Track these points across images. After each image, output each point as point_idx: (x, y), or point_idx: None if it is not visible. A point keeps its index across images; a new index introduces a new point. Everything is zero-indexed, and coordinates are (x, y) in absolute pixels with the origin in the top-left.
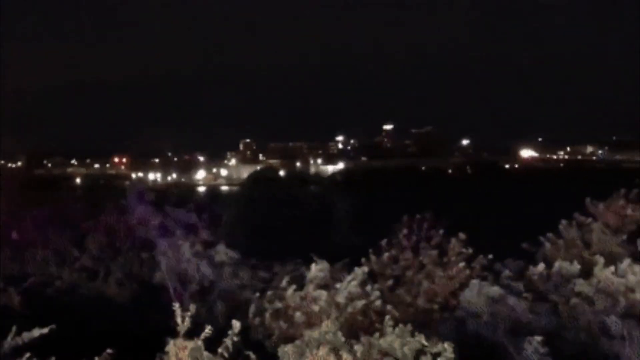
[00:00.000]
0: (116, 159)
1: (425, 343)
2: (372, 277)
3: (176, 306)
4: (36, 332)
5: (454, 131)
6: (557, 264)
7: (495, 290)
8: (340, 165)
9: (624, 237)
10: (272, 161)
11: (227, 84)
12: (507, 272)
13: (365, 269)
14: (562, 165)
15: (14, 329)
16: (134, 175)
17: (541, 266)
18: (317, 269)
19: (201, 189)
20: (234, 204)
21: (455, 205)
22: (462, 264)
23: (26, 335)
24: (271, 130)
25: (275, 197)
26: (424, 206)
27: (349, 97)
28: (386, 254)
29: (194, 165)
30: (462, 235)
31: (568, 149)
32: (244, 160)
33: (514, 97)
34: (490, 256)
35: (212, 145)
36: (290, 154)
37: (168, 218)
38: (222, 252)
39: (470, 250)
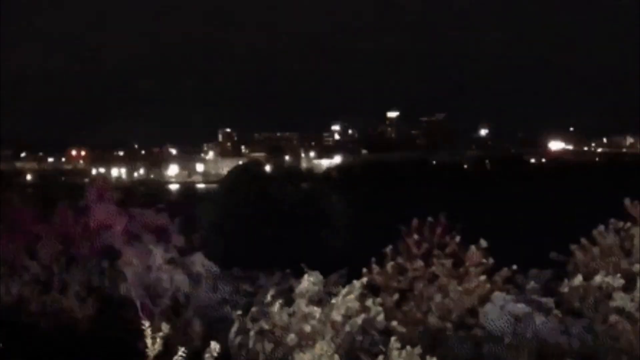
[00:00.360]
0: (73, 152)
1: None
2: (374, 290)
3: (145, 325)
4: None
5: (470, 119)
6: (597, 278)
7: (520, 306)
8: (337, 160)
9: None
10: (257, 154)
11: (203, 65)
12: (533, 285)
13: (366, 280)
14: (597, 159)
15: None
16: (94, 171)
17: (578, 279)
18: (309, 281)
19: (174, 187)
20: (212, 204)
21: (473, 206)
22: (481, 276)
23: None
24: (255, 118)
25: (260, 196)
26: (435, 208)
27: (347, 80)
28: (391, 263)
29: (165, 160)
30: (482, 243)
31: (604, 140)
32: (223, 153)
33: (539, 79)
34: (514, 267)
35: (186, 137)
36: (278, 146)
37: (134, 221)
38: (199, 261)
39: (491, 260)
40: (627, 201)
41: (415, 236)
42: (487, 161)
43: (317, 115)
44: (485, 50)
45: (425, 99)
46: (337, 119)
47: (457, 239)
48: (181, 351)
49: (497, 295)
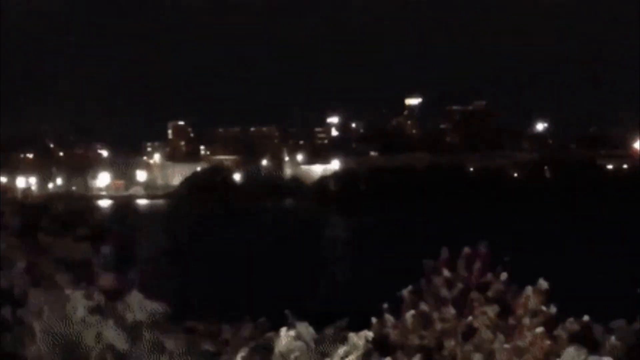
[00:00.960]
0: None
1: None
2: (386, 349)
3: None
4: None
5: (521, 109)
6: None
7: None
8: (335, 165)
9: None
10: (222, 157)
11: (146, 32)
12: (614, 343)
13: (374, 335)
14: None
15: None
16: None
17: None
18: (292, 336)
19: (105, 203)
20: (158, 228)
21: (527, 231)
22: (539, 329)
23: None
24: (220, 107)
25: (226, 217)
26: (474, 233)
27: (349, 56)
28: (412, 312)
29: (92, 165)
30: (541, 283)
31: None
32: (174, 156)
33: (610, 56)
34: (587, 317)
35: (122, 133)
36: (252, 145)
37: (46, 254)
38: (138, 307)
39: (553, 308)
40: None
41: (446, 273)
42: (546, 167)
43: (308, 103)
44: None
45: (456, 81)
46: (335, 109)
47: (504, 276)
48: None
49: (568, 353)
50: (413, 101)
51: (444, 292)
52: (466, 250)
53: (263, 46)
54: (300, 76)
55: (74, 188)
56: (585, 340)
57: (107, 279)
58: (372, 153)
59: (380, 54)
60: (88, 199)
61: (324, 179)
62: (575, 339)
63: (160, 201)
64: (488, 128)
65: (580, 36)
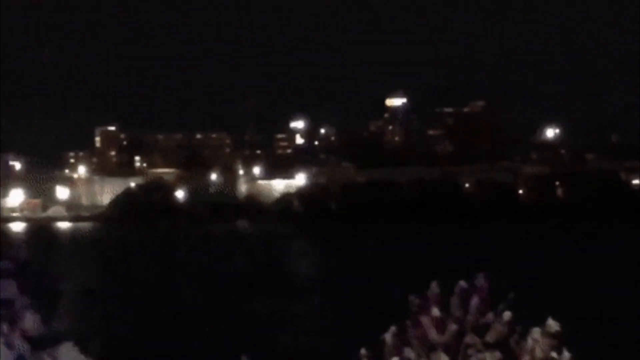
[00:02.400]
0: None
1: None
2: None
3: None
4: None
5: (527, 112)
6: None
7: None
8: (300, 179)
9: None
10: (162, 170)
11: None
12: None
13: None
14: None
15: None
16: None
17: None
18: None
19: (16, 226)
20: (85, 258)
21: (534, 261)
22: None
23: None
24: (160, 109)
25: (166, 244)
26: (470, 262)
27: (316, 49)
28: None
29: (1, 180)
30: (550, 324)
31: None
32: (103, 168)
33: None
34: None
35: (39, 140)
36: (198, 156)
37: None
38: (67, 356)
39: (566, 355)
40: None
41: (436, 311)
42: (557, 183)
43: (267, 105)
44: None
45: (445, 81)
46: (300, 111)
47: (508, 316)
48: None
49: None
50: (395, 102)
51: (434, 335)
52: (461, 284)
53: (211, 39)
54: (257, 73)
55: None
56: None
57: (29, 321)
58: (346, 165)
59: (356, 46)
60: None
61: (286, 197)
62: None
63: (86, 224)
64: (487, 135)
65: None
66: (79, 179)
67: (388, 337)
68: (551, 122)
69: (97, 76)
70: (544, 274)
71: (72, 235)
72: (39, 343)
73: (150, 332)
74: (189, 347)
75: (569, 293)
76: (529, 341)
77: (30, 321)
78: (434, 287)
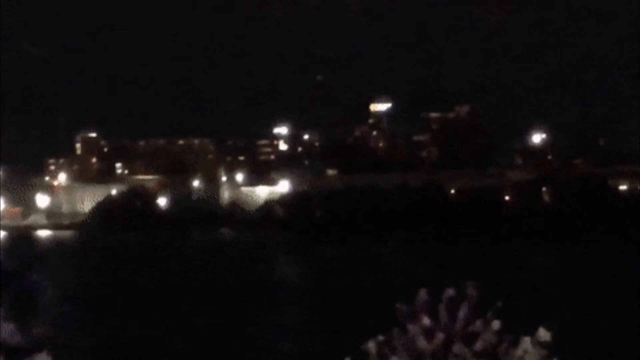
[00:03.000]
0: None
1: None
2: None
3: None
4: None
5: (513, 117)
6: None
7: None
8: (283, 186)
9: None
10: (143, 177)
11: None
12: None
13: None
14: None
15: None
16: None
17: None
18: None
19: None
20: (66, 267)
21: (522, 268)
22: None
23: None
24: (141, 116)
25: (148, 252)
26: (457, 269)
27: (300, 53)
28: None
29: None
30: (542, 333)
31: None
32: (84, 175)
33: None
34: None
35: (19, 147)
36: (181, 162)
37: None
38: None
39: None
40: None
41: (424, 320)
42: (544, 189)
43: (250, 110)
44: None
45: (431, 86)
46: (284, 117)
47: (497, 325)
48: None
49: None
50: (380, 107)
51: (422, 343)
52: (449, 291)
53: (193, 44)
54: (240, 77)
55: None
56: None
57: (8, 333)
58: (330, 172)
59: (340, 50)
60: None
61: (269, 204)
62: None
63: (67, 232)
64: (473, 140)
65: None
66: (60, 186)
67: (372, 345)
68: (538, 127)
69: (78, 82)
70: (531, 281)
71: (51, 243)
72: (13, 353)
73: (126, 342)
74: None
75: (558, 301)
76: (519, 351)
77: (6, 331)
78: (422, 295)
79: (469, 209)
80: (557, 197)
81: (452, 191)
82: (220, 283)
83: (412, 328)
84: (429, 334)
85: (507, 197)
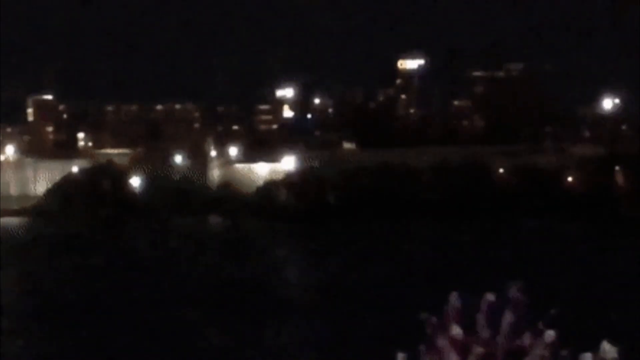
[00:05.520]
0: None
1: None
2: None
3: None
4: None
5: (577, 78)
6: None
7: None
8: (288, 163)
9: None
10: (112, 151)
11: None
12: None
13: None
14: None
15: None
16: None
17: None
18: None
19: None
20: (11, 264)
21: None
22: None
23: None
24: (109, 74)
25: (118, 246)
26: (501, 268)
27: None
28: None
29: None
30: (605, 347)
31: None
32: (37, 148)
33: None
34: None
35: None
36: (159, 132)
37: None
38: None
39: None
40: None
41: (457, 331)
42: (617, 168)
43: (246, 68)
44: None
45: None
46: (289, 76)
47: (550, 337)
48: None
49: None
50: (410, 64)
51: (455, 359)
52: (488, 296)
53: None
54: (234, 27)
55: None
56: None
57: None
58: (347, 145)
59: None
60: None
61: (270, 186)
62: None
63: (15, 220)
64: (528, 106)
65: None
66: (7, 161)
67: None
68: (609, 91)
69: (29, 31)
70: (596, 283)
71: None
72: None
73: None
74: None
75: (634, 310)
76: None
77: None
78: (454, 301)
79: (520, 193)
80: (632, 177)
81: (500, 170)
82: (203, 285)
83: (442, 341)
84: (463, 348)
85: (569, 178)
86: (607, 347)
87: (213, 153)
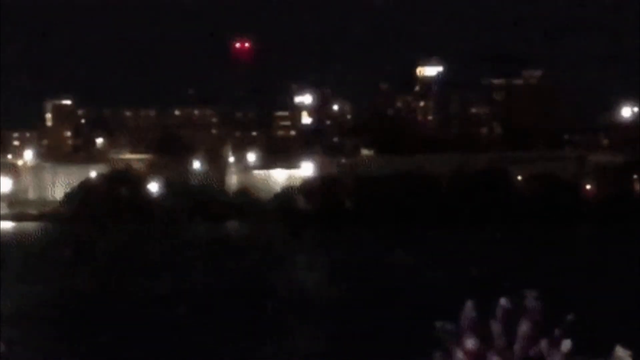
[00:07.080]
0: None
1: None
2: None
3: None
4: None
5: (596, 85)
6: None
7: None
8: (306, 169)
9: None
10: (130, 157)
11: None
12: None
13: None
14: None
15: None
16: None
17: None
18: None
19: None
20: (29, 269)
21: (603, 276)
22: None
23: None
24: (126, 80)
25: (135, 253)
26: (518, 274)
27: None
28: None
29: None
30: (621, 354)
31: None
32: (56, 153)
33: None
34: None
35: None
36: (177, 138)
37: None
38: None
39: None
40: None
41: (470, 342)
42: (636, 176)
43: (264, 74)
44: None
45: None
46: (307, 82)
47: (568, 346)
48: None
49: None
50: (429, 71)
51: None
52: (503, 303)
53: None
54: (253, 31)
55: None
56: None
57: None
58: (365, 151)
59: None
60: None
61: (288, 192)
62: None
63: (33, 224)
64: (546, 114)
65: None
66: (25, 166)
67: None
68: (628, 99)
69: (49, 37)
70: (617, 288)
71: (13, 239)
72: None
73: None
74: None
75: None
76: None
77: None
78: (469, 310)
79: (540, 200)
80: None
81: (519, 177)
82: (220, 292)
83: (457, 352)
84: (479, 358)
85: (588, 186)
86: (620, 352)
87: (231, 159)
